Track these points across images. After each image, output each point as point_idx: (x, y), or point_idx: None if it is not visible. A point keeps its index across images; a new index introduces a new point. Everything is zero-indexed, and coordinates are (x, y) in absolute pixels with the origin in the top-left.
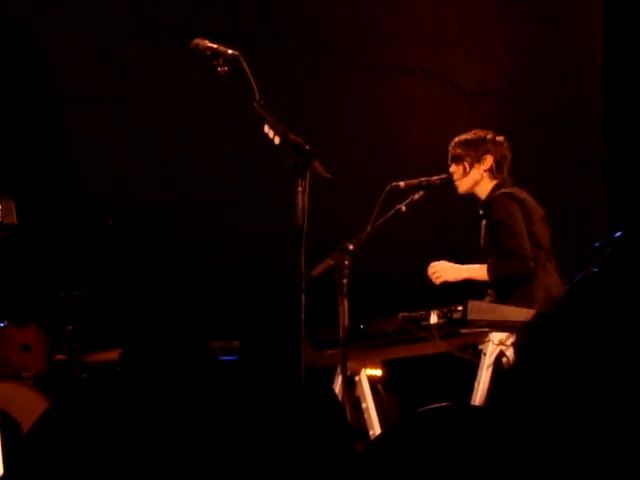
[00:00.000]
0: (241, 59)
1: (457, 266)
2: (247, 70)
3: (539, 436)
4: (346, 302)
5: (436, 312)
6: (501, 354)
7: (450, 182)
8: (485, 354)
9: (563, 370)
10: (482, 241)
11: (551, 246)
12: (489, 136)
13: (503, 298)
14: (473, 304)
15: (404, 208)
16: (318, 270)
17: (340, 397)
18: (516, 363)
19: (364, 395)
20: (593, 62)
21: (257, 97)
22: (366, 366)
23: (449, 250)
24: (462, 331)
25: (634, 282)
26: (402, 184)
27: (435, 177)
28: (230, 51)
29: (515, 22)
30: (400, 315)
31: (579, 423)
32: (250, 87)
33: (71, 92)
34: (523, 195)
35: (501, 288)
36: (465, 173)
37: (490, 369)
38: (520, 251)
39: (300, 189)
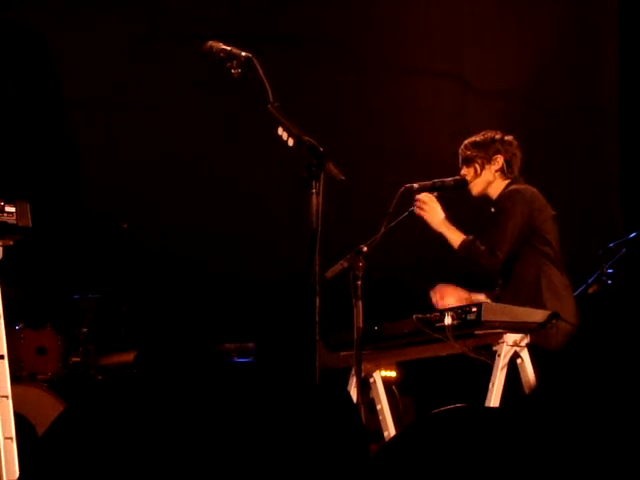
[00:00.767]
0: (254, 61)
1: (440, 215)
2: (260, 72)
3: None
4: (360, 304)
5: (450, 313)
6: (515, 355)
7: (464, 183)
8: (499, 355)
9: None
10: None
11: (561, 248)
12: (498, 136)
13: (509, 293)
14: (487, 305)
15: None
16: (332, 272)
17: (355, 399)
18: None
19: (379, 397)
20: (607, 59)
21: (270, 99)
22: (380, 367)
23: None
24: (476, 332)
25: None
26: (416, 185)
27: (449, 178)
28: (244, 53)
29: (527, 20)
30: (414, 316)
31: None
32: (263, 89)
33: (85, 97)
34: (534, 193)
35: (508, 283)
36: (477, 175)
37: (504, 370)
38: (497, 251)
39: (314, 191)
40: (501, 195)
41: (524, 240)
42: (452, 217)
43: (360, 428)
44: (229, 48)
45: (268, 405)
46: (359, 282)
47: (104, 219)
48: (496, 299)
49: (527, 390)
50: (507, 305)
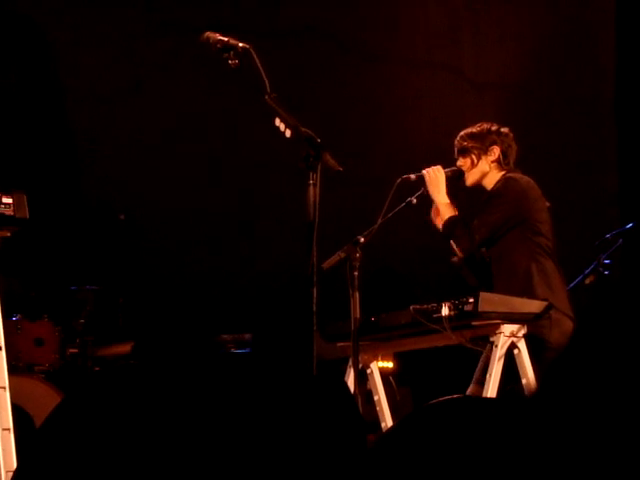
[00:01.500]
0: (252, 52)
1: (441, 186)
2: (258, 63)
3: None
4: (357, 295)
5: (447, 304)
6: (512, 346)
7: (461, 174)
8: (496, 346)
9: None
10: None
11: (554, 239)
12: (494, 128)
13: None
14: (484, 296)
15: (415, 200)
16: (329, 263)
17: (352, 389)
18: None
19: (376, 387)
20: (604, 51)
21: (268, 90)
22: (378, 358)
23: None
24: (473, 323)
25: None
26: (413, 176)
27: (446, 169)
28: (241, 44)
29: (525, 13)
30: (411, 307)
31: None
32: (261, 80)
33: (82, 87)
34: (530, 183)
35: (500, 273)
36: (473, 165)
37: (501, 361)
38: (475, 235)
39: (311, 182)
40: (499, 180)
41: (513, 228)
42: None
43: (357, 419)
44: (226, 39)
45: (266, 396)
46: (356, 273)
47: (102, 210)
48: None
49: (524, 380)
50: (504, 296)
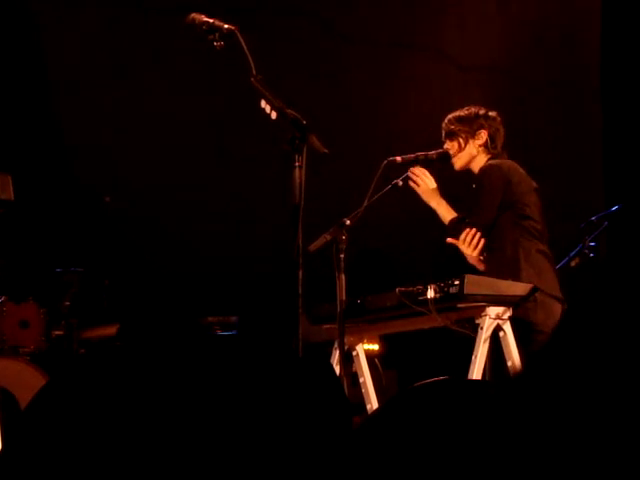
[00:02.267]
0: (237, 34)
1: (431, 190)
2: (243, 45)
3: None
4: (343, 277)
5: (433, 286)
6: (498, 328)
7: (447, 156)
8: (482, 328)
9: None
10: None
11: (544, 220)
12: (482, 111)
13: (491, 267)
14: (470, 278)
15: (401, 183)
16: (315, 245)
17: (338, 372)
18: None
19: (361, 370)
20: (590, 32)
21: (253, 72)
22: (363, 341)
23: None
24: (459, 305)
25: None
26: (399, 159)
27: (432, 152)
28: (226, 26)
29: None
30: (397, 290)
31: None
32: (246, 62)
33: (69, 70)
34: (512, 166)
35: (490, 257)
36: (460, 149)
37: (487, 343)
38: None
39: (297, 164)
40: (479, 170)
41: (503, 212)
42: (438, 190)
43: (343, 401)
44: (212, 20)
45: (251, 378)
46: (342, 255)
47: (87, 193)
48: None
49: (509, 362)
50: (489, 278)
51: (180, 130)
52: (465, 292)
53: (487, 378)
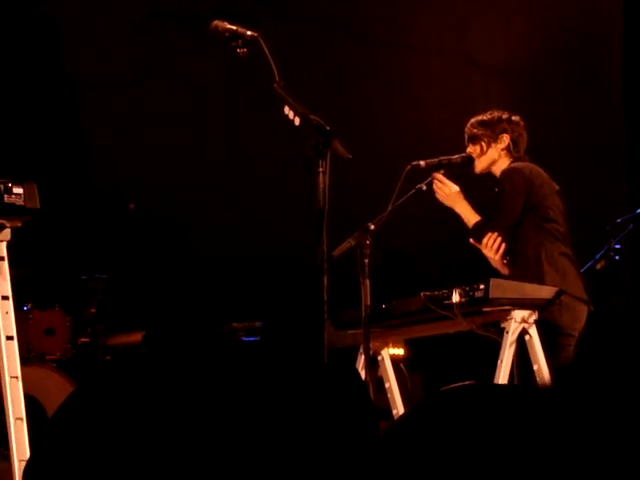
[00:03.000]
0: (260, 40)
1: (454, 195)
2: (266, 51)
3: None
4: (368, 282)
5: (458, 290)
6: (524, 332)
7: (471, 160)
8: (508, 332)
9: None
10: None
11: (567, 222)
12: (505, 116)
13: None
14: (495, 282)
15: (425, 187)
16: (340, 250)
17: (363, 377)
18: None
19: (387, 374)
20: (613, 34)
21: (277, 78)
22: (389, 345)
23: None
24: (484, 309)
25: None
26: (422, 163)
27: (456, 155)
28: (249, 32)
29: None
30: (422, 294)
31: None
32: (269, 68)
33: (91, 78)
34: (534, 169)
35: (514, 261)
36: (482, 152)
37: (513, 347)
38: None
39: (321, 170)
40: (502, 173)
41: (525, 215)
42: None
43: (369, 406)
44: (234, 27)
45: (276, 384)
46: (366, 260)
47: (112, 200)
48: None
49: (535, 366)
50: (514, 282)
51: (203, 136)
52: (490, 296)
53: (515, 382)
